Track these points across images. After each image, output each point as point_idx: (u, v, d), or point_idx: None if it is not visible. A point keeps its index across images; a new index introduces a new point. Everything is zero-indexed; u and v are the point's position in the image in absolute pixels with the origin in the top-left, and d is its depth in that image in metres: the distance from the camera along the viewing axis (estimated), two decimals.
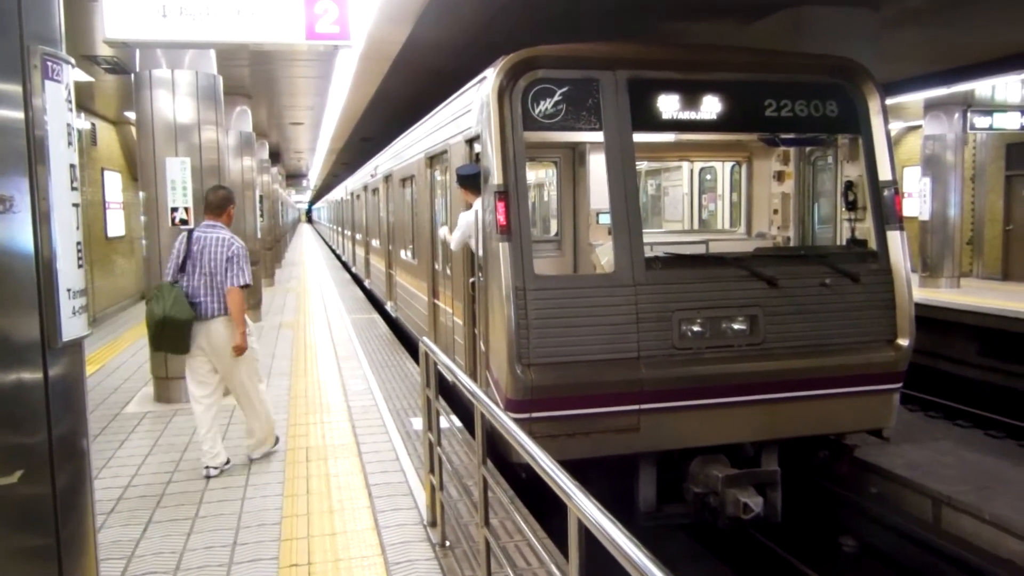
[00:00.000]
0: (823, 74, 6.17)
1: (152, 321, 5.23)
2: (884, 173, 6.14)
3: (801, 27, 8.18)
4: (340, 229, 30.69)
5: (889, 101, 13.44)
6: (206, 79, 7.58)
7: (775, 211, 7.83)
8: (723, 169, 9.19)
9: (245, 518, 4.74)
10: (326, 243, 43.95)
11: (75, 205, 2.66)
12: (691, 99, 5.83)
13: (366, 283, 17.49)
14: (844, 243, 6.66)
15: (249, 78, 12.77)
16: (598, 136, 5.72)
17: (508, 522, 4.54)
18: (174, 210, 7.42)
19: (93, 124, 13.85)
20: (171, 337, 5.27)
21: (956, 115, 14.46)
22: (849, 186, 6.62)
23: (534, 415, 5.31)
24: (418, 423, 6.55)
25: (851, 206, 6.60)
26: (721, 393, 5.62)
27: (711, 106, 5.89)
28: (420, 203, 9.33)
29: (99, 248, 13.98)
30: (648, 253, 5.73)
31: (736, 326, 5.71)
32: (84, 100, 12.94)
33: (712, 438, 5.75)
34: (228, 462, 5.62)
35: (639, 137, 5.90)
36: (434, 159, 8.36)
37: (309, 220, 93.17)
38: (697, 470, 5.86)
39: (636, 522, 5.85)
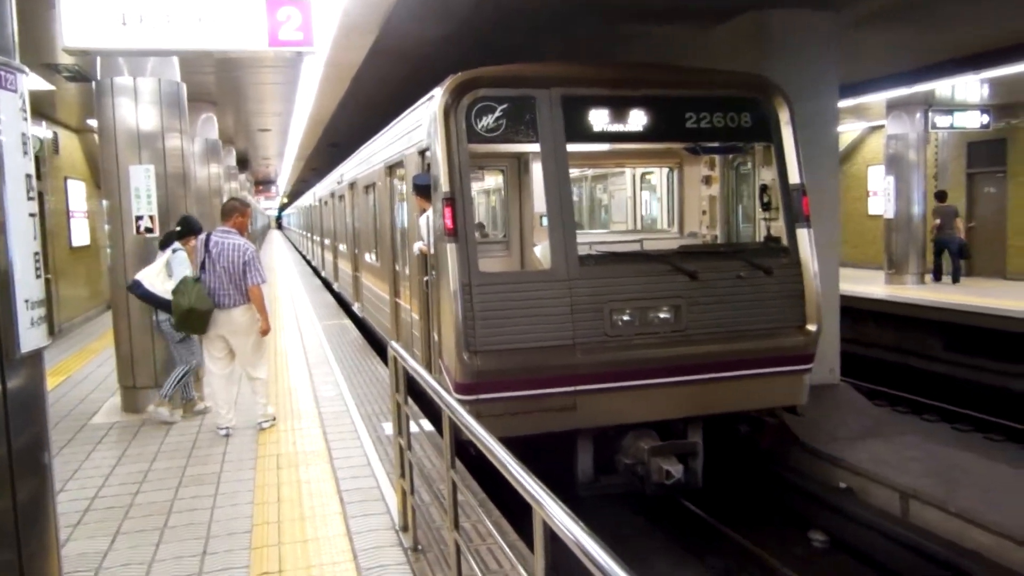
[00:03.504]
0: (739, 89, 6.80)
1: (179, 310, 6.35)
2: (793, 177, 6.80)
3: (763, 30, 8.30)
4: (309, 235, 31.29)
5: (852, 101, 13.76)
6: (169, 86, 7.50)
7: (703, 212, 8.49)
8: (661, 174, 9.79)
9: (215, 527, 4.70)
10: (296, 249, 43.62)
11: (32, 215, 2.63)
12: (619, 113, 6.48)
13: (335, 286, 18.03)
14: (762, 240, 7.22)
15: (215, 85, 12.68)
16: (536, 147, 6.33)
17: (480, 524, 4.55)
18: (139, 218, 7.33)
19: (55, 132, 13.64)
20: (195, 322, 6.42)
21: (918, 115, 14.72)
22: (764, 189, 7.24)
23: (480, 396, 5.90)
24: (389, 427, 6.54)
25: (766, 207, 7.22)
26: (648, 375, 6.23)
27: (637, 119, 6.52)
28: (382, 209, 9.92)
29: (64, 258, 13.77)
30: (585, 251, 6.35)
31: (661, 315, 6.31)
32: (45, 108, 12.74)
33: (641, 416, 6.35)
34: (231, 427, 6.71)
35: (575, 147, 6.57)
36: (393, 168, 8.92)
37: (279, 226, 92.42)
38: (629, 444, 6.47)
39: (575, 491, 6.46)
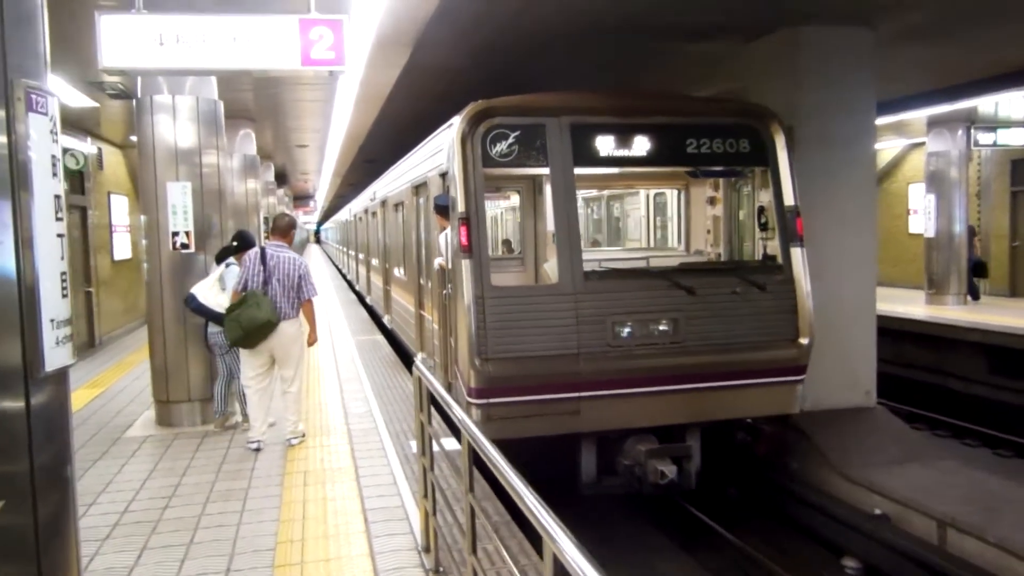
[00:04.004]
0: (737, 116, 7.32)
1: (254, 325, 6.41)
2: (788, 199, 7.26)
3: (798, 47, 8.20)
4: (345, 249, 31.98)
5: (892, 118, 13.57)
6: (207, 104, 7.63)
7: (708, 231, 9.05)
8: (672, 195, 10.23)
9: (240, 544, 4.73)
10: (333, 263, 44.08)
11: (60, 235, 2.68)
12: (623, 139, 7.04)
13: (368, 299, 18.65)
14: (760, 258, 7.73)
15: (253, 102, 12.90)
16: (546, 171, 6.91)
17: (503, 546, 4.51)
18: (175, 234, 7.45)
19: (99, 148, 13.97)
20: (260, 334, 6.50)
21: (960, 132, 14.44)
22: (761, 210, 7.71)
23: (491, 401, 6.48)
24: (415, 445, 6.55)
25: (763, 227, 7.69)
26: (647, 383, 6.76)
27: (641, 145, 7.08)
28: (408, 226, 10.54)
29: (106, 271, 14.08)
30: (591, 267, 6.98)
31: (661, 327, 6.82)
32: (90, 125, 13.07)
33: (641, 421, 6.90)
34: (263, 441, 6.82)
35: (587, 170, 7.29)
36: (418, 188, 9.49)
37: (317, 241, 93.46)
38: (629, 447, 6.97)
39: (579, 491, 7.09)
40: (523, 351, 6.48)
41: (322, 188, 35.01)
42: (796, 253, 7.20)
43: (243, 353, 6.77)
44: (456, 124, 6.78)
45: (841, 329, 8.61)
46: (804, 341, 7.09)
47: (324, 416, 7.87)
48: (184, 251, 7.47)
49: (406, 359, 10.72)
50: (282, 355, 6.81)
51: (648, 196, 11.08)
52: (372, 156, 19.94)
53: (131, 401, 8.82)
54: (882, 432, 8.56)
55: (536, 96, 7.15)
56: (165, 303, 7.48)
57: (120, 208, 15.07)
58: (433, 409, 3.86)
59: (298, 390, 6.97)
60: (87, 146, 13.22)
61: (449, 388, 7.62)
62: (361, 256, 20.93)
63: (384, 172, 14.95)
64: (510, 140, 6.76)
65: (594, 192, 12.14)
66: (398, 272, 12.23)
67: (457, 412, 3.46)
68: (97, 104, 10.96)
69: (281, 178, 25.59)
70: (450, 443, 6.02)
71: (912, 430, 9.29)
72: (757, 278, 7.08)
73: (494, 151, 6.75)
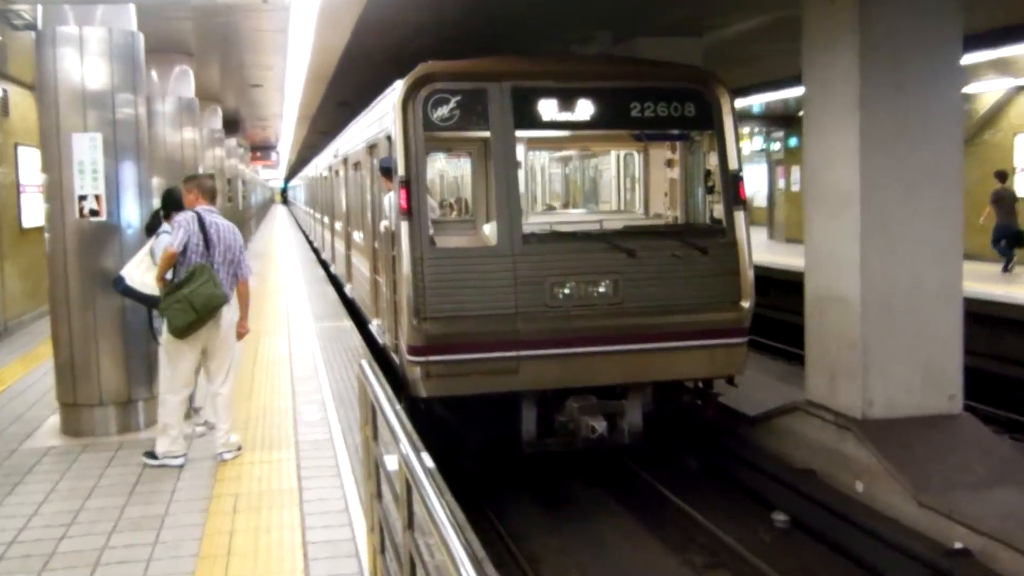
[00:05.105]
0: (681, 80, 8.85)
1: (211, 305, 6.43)
2: (732, 164, 8.72)
3: None
4: (311, 211, 32.92)
5: (989, 54, 13.41)
6: (123, 36, 7.56)
7: (665, 194, 10.60)
8: (639, 157, 11.63)
9: None
10: (301, 230, 44.16)
11: None
12: (566, 103, 8.49)
13: (332, 268, 20.23)
14: (709, 221, 9.31)
15: (192, 33, 12.83)
16: (487, 135, 8.52)
17: None
18: (82, 198, 7.39)
19: (5, 91, 13.93)
20: (209, 319, 6.52)
21: None
22: (707, 174, 9.29)
23: (430, 359, 8.06)
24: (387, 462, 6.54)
25: (709, 190, 9.27)
26: (585, 343, 8.25)
27: (584, 109, 8.54)
28: (365, 188, 12.14)
29: (12, 241, 14.03)
30: (530, 230, 8.58)
31: (600, 289, 8.31)
32: None
33: (580, 380, 8.38)
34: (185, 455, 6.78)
35: (529, 133, 9.32)
36: (372, 148, 11.00)
37: (284, 201, 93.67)
38: (567, 406, 8.39)
39: (521, 450, 8.54)
40: (461, 311, 8.04)
41: (286, 137, 35.03)
42: (739, 216, 8.65)
43: (173, 348, 6.65)
44: (398, 89, 8.25)
45: (918, 318, 8.57)
46: (745, 304, 8.55)
47: (268, 424, 7.87)
48: (94, 219, 7.43)
49: (380, 356, 10.71)
50: (217, 346, 6.80)
51: (619, 157, 12.69)
52: (346, 98, 19.88)
53: (35, 403, 8.84)
54: (968, 446, 8.53)
55: (478, 60, 8.58)
56: (71, 283, 7.47)
57: (31, 163, 15.01)
58: (390, 417, 3.80)
59: (230, 392, 6.99)
60: None
61: (395, 350, 9.14)
62: (325, 219, 22.09)
63: (351, 122, 15.54)
64: (451, 105, 8.14)
65: (570, 152, 14.88)
66: (357, 236, 13.71)
67: (391, 418, 3.43)
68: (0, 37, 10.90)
69: (232, 125, 25.56)
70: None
71: (1004, 443, 9.23)
72: (699, 241, 8.58)
73: (435, 115, 8.13)
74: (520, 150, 10.22)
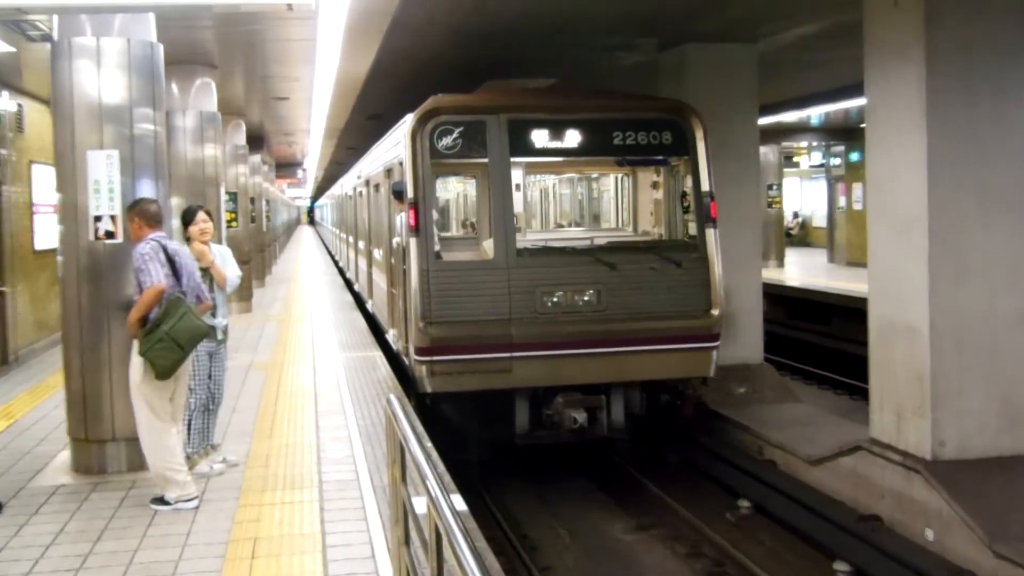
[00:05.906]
0: (660, 112, 10.72)
1: (196, 336, 6.65)
2: (705, 186, 10.40)
3: None
4: (337, 232, 34.09)
5: None
6: (141, 48, 7.57)
7: (651, 213, 12.36)
8: (628, 181, 13.51)
9: None
10: (328, 252, 44.41)
11: None
12: (556, 133, 10.36)
13: (355, 286, 22.35)
14: (687, 238, 10.91)
15: (214, 43, 12.94)
16: (486, 161, 10.29)
17: None
18: (97, 219, 7.41)
19: (20, 105, 14.12)
20: (191, 352, 6.77)
21: None
22: (683, 195, 11.00)
23: (435, 358, 9.72)
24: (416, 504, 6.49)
25: (685, 210, 10.97)
26: (572, 346, 9.89)
27: (572, 138, 10.42)
28: (382, 207, 13.91)
29: (25, 264, 14.16)
30: (539, 246, 10.86)
31: (585, 298, 9.98)
32: (8, 75, 13.18)
33: (567, 379, 10.00)
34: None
35: (524, 160, 11.37)
36: (389, 172, 12.83)
37: (312, 221, 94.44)
38: (554, 401, 10.00)
39: (514, 442, 10.18)
40: (461, 316, 9.72)
41: (313, 153, 35.27)
42: (710, 233, 10.29)
43: (150, 389, 6.63)
44: (408, 121, 10.17)
45: (994, 350, 8.42)
46: (715, 312, 10.20)
47: (290, 462, 7.83)
48: (110, 241, 7.44)
49: (408, 384, 10.77)
50: (183, 371, 6.92)
51: (617, 179, 14.68)
52: (376, 111, 19.99)
53: (45, 438, 8.88)
54: None
55: (478, 95, 10.94)
56: (84, 310, 7.47)
57: (46, 182, 15.21)
58: (418, 457, 3.75)
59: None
60: (4, 101, 13.36)
61: (406, 353, 10.73)
62: (350, 239, 24.34)
63: (374, 145, 16.70)
64: (455, 135, 9.98)
65: (566, 176, 17.79)
66: (377, 253, 15.43)
67: (419, 457, 3.36)
68: (14, 49, 11.05)
69: (257, 141, 25.74)
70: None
71: None
72: (674, 255, 10.32)
73: (440, 144, 9.96)
74: (519, 174, 12.24)
